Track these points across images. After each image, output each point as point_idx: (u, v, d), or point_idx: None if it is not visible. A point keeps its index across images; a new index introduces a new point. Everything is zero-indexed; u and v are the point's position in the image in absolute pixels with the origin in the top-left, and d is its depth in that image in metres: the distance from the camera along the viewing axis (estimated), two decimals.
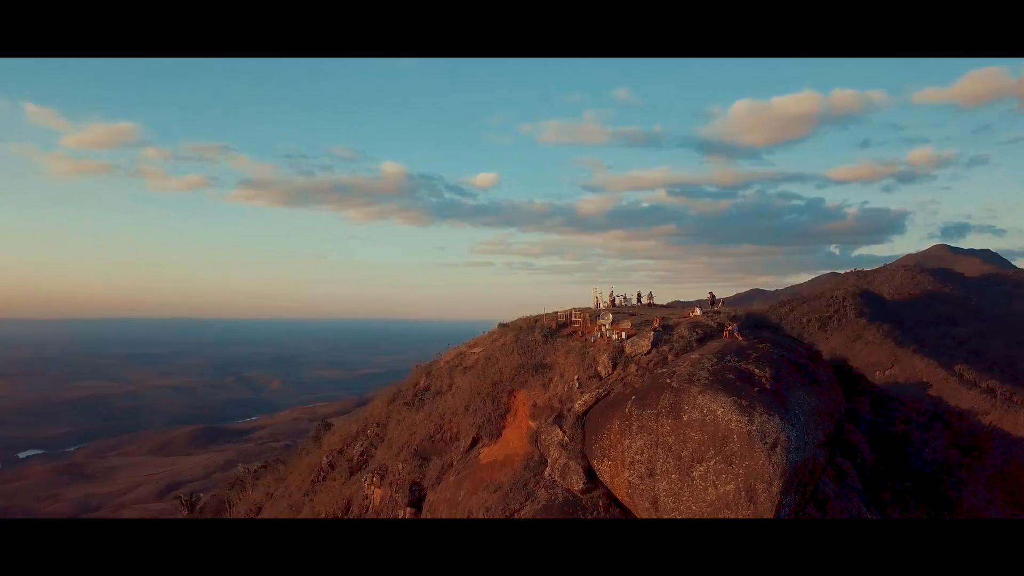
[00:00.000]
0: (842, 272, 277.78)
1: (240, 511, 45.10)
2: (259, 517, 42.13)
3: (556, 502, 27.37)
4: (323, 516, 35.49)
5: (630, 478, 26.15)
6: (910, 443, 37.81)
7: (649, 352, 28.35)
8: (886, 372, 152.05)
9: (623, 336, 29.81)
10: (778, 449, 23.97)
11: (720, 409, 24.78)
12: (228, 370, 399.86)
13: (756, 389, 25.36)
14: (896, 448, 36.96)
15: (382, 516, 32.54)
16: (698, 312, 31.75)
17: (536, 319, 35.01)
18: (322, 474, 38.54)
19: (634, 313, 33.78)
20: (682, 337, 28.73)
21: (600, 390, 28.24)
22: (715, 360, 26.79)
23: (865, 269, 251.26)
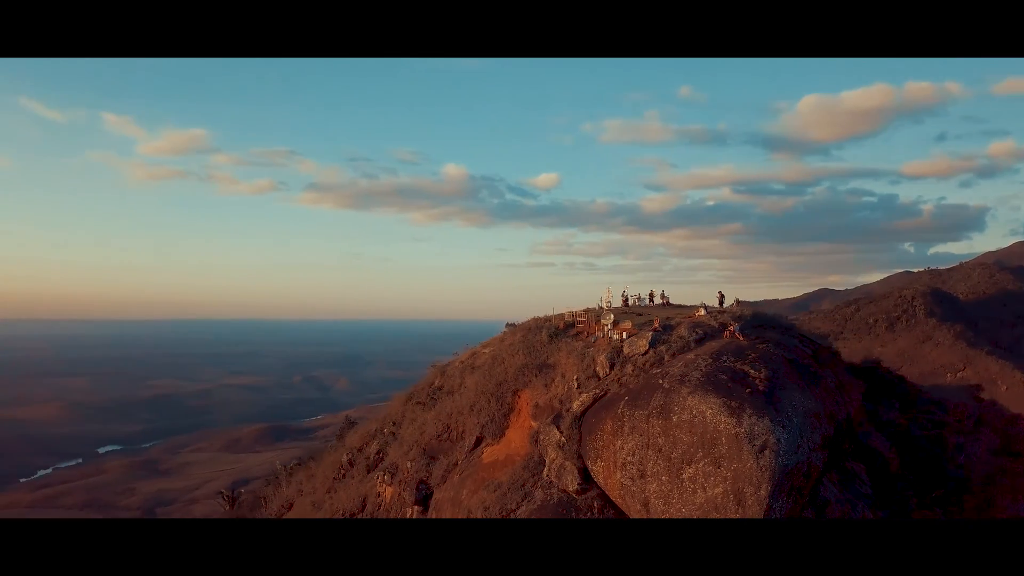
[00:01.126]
0: (915, 271, 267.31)
1: (273, 507, 46.47)
2: (286, 515, 43.33)
3: (551, 502, 27.41)
4: (341, 512, 36.32)
5: (622, 479, 25.98)
6: (945, 448, 36.44)
7: (646, 352, 28.09)
8: (957, 375, 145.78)
9: (624, 336, 29.61)
10: (767, 452, 23.45)
11: (709, 410, 24.40)
12: (296, 370, 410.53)
13: (748, 390, 24.86)
14: (927, 453, 35.67)
15: (392, 514, 33.13)
16: (702, 312, 31.26)
17: (546, 319, 35.06)
18: (342, 472, 39.45)
19: (641, 313, 33.49)
20: (681, 337, 28.37)
21: (597, 390, 28.15)
22: (710, 360, 26.37)
23: (940, 267, 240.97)
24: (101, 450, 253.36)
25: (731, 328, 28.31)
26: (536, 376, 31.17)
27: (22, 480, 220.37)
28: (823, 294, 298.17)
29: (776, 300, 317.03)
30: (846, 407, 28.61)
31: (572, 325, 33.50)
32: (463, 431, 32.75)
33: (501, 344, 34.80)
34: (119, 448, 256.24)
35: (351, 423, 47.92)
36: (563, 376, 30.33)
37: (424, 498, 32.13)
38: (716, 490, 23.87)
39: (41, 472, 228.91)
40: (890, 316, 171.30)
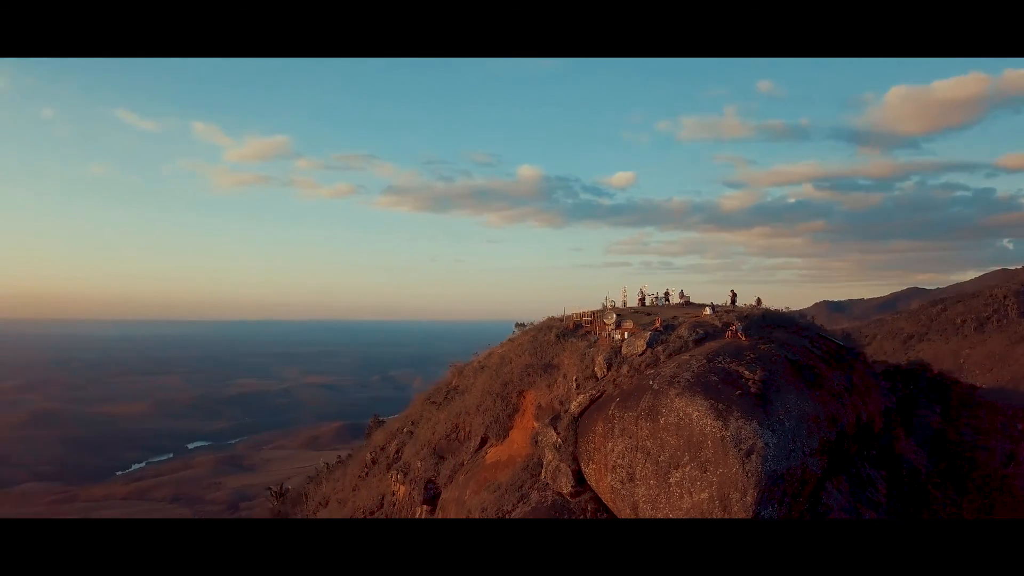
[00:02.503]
0: (1013, 268, 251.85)
1: (312, 503, 47.70)
2: (320, 512, 44.32)
3: (545, 504, 27.16)
4: (361, 510, 36.98)
5: (612, 482, 25.50)
6: (993, 455, 34.47)
7: (644, 353, 27.48)
8: None
9: (624, 336, 29.05)
10: (753, 456, 22.57)
11: (696, 412, 23.67)
12: (374, 369, 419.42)
13: (738, 392, 23.97)
14: (966, 460, 33.81)
15: (404, 513, 33.51)
16: (708, 312, 30.31)
17: (559, 320, 34.75)
18: (366, 470, 40.13)
19: (651, 313, 32.76)
20: (680, 337, 27.62)
21: (594, 391, 27.72)
22: (704, 361, 25.56)
23: None
24: (190, 446, 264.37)
25: (733, 328, 27.39)
26: (540, 377, 30.94)
27: (118, 474, 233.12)
28: (913, 293, 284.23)
29: (862, 299, 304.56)
30: (857, 410, 27.22)
31: (581, 325, 33.08)
32: (470, 431, 32.82)
33: (511, 344, 34.69)
34: (206, 444, 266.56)
35: (379, 422, 48.69)
36: (565, 377, 30.02)
37: (432, 497, 32.34)
38: (702, 495, 23.14)
39: (135, 466, 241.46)
40: (979, 316, 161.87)
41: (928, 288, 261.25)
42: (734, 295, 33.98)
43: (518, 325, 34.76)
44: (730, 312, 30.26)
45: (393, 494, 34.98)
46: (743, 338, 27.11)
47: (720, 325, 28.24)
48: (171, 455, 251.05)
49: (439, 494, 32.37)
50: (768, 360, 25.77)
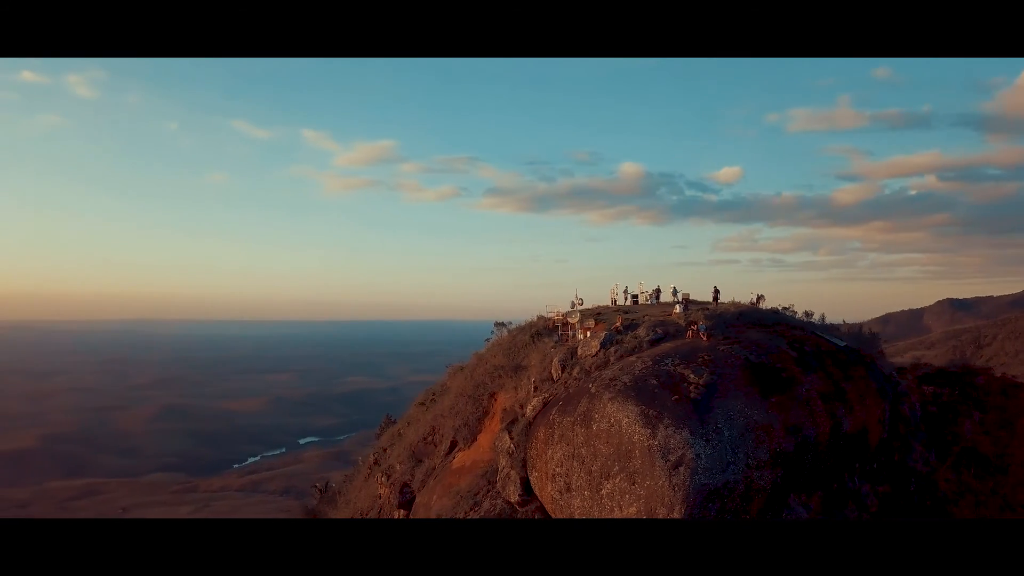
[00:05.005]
0: None
1: (338, 501, 48.19)
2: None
3: (492, 513, 25.92)
4: (360, 510, 36.88)
5: (552, 492, 23.95)
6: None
7: (597, 354, 25.72)
8: None
9: (585, 336, 27.35)
10: (681, 469, 20.50)
11: (626, 419, 21.80)
12: None
13: (675, 397, 21.89)
14: (990, 475, 30.31)
15: (384, 515, 33.09)
16: (677, 310, 28.01)
17: (547, 318, 33.30)
18: (369, 471, 40.02)
19: (628, 311, 30.72)
20: (636, 337, 25.66)
21: (547, 395, 26.22)
22: (650, 363, 23.54)
23: None
24: (301, 441, 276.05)
25: (694, 327, 25.18)
26: (510, 378, 29.67)
27: (235, 466, 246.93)
28: None
29: (991, 297, 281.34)
30: (838, 418, 24.27)
31: (560, 325, 31.54)
32: (443, 434, 31.96)
33: (489, 345, 33.55)
34: (317, 440, 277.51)
35: (391, 422, 48.50)
36: (529, 379, 28.65)
37: (408, 501, 31.72)
38: (631, 509, 21.27)
39: (250, 459, 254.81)
40: None
41: None
42: (716, 292, 31.38)
43: (498, 324, 33.49)
44: (706, 310, 27.90)
45: (379, 496, 34.62)
46: (704, 338, 24.86)
47: (684, 324, 26.06)
48: (283, 449, 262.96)
49: (414, 498, 31.71)
50: (722, 362, 23.45)
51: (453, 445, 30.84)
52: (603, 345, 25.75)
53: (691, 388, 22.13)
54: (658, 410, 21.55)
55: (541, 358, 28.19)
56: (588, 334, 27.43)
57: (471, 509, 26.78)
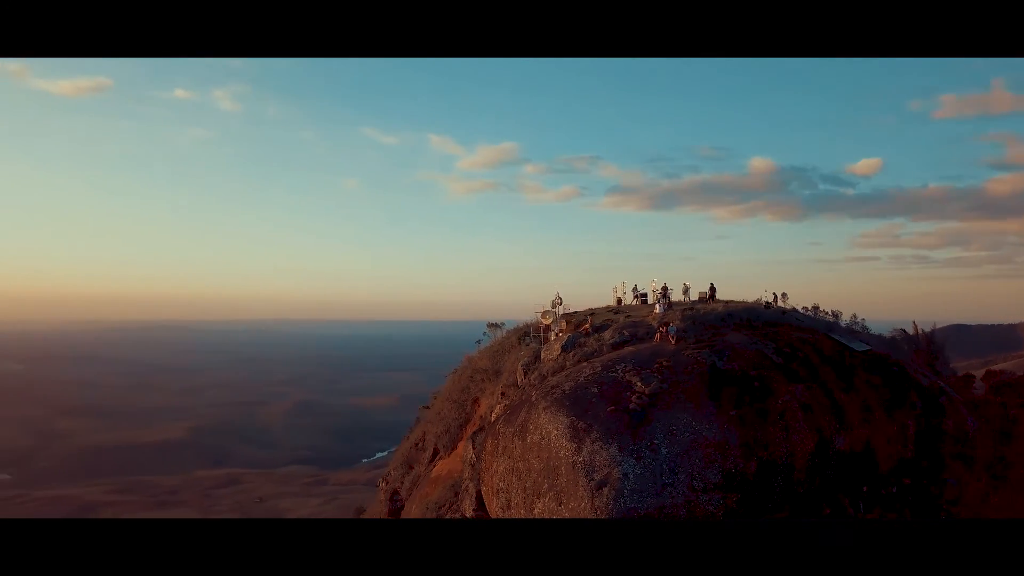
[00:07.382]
0: None
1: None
2: None
3: None
4: (372, 512, 36.26)
5: (496, 508, 21.96)
6: None
7: (557, 358, 23.47)
8: None
9: (554, 339, 25.09)
10: (606, 490, 18.02)
11: (555, 431, 19.55)
12: None
13: (611, 408, 19.33)
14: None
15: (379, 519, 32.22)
16: (657, 310, 25.06)
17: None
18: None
19: (618, 311, 27.98)
20: (598, 340, 23.19)
21: (508, 401, 24.23)
22: (600, 368, 21.06)
23: None
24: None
25: (662, 330, 22.42)
26: (491, 383, 27.90)
27: (363, 461, 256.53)
28: None
29: None
30: (825, 434, 20.74)
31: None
32: (428, 441, 30.56)
33: (481, 348, 31.74)
34: None
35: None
36: (505, 384, 26.76)
37: (398, 509, 30.65)
38: None
39: (378, 455, 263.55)
40: None
41: None
42: (712, 289, 28.00)
43: (491, 326, 31.62)
44: (690, 310, 24.86)
45: (380, 500, 33.79)
46: (672, 341, 22.06)
47: (656, 327, 23.29)
48: None
49: (403, 506, 30.57)
50: (681, 369, 20.61)
51: (435, 453, 29.39)
52: (564, 349, 23.48)
53: (632, 398, 19.53)
54: (588, 422, 19.15)
55: (513, 362, 26.21)
56: (556, 336, 25.19)
57: None
